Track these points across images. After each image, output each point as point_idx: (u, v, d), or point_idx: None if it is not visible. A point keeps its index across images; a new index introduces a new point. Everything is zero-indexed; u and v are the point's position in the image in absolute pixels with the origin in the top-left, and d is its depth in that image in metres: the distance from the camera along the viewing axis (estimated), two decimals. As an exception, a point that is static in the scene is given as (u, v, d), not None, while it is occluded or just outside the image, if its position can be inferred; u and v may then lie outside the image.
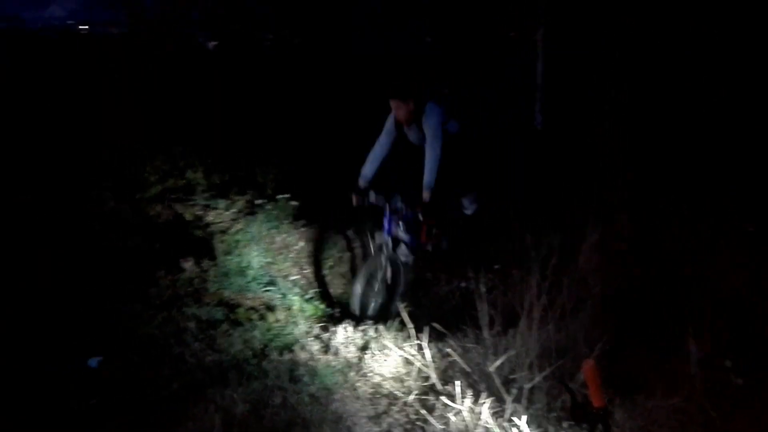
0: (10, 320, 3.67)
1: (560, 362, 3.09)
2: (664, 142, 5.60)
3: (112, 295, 4.03)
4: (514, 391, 3.02)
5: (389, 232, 4.40)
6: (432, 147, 4.36)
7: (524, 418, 2.75)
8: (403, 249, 4.87)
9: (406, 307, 3.98)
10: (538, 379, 3.01)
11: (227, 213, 5.68)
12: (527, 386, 3.01)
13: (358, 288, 4.28)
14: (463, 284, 4.93)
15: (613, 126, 5.29)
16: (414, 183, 4.50)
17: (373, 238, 4.51)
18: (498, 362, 3.12)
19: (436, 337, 3.71)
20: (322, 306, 4.57)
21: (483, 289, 3.40)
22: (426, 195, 4.32)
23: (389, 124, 4.60)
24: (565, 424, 2.83)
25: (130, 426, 2.92)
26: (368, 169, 4.56)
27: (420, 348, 3.47)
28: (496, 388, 3.04)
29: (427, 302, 4.79)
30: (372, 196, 4.47)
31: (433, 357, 3.43)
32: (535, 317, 3.23)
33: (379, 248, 4.42)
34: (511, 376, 3.16)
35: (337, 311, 4.46)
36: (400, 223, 4.49)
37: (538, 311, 3.23)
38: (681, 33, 6.11)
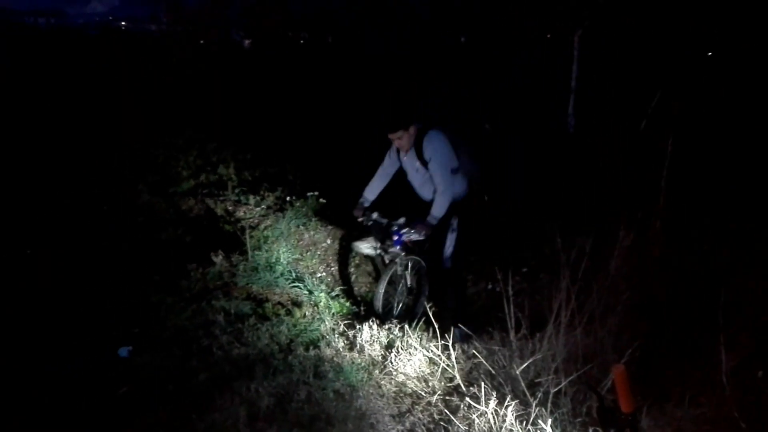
0: (45, 308, 3.77)
1: (587, 367, 3.05)
2: (700, 151, 5.51)
3: (144, 286, 4.11)
4: (540, 394, 2.99)
5: (400, 243, 4.36)
6: (444, 193, 4.17)
7: (549, 422, 2.73)
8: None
9: (431, 307, 3.98)
10: (564, 383, 2.98)
11: (257, 209, 5.76)
12: (553, 390, 2.98)
13: (380, 290, 4.30)
14: (489, 286, 4.91)
15: (652, 132, 5.20)
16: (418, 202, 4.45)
17: (386, 250, 4.47)
18: (524, 365, 3.10)
19: (461, 338, 3.71)
20: (348, 304, 4.61)
21: (510, 291, 3.37)
22: (432, 222, 4.19)
23: (392, 152, 4.47)
24: (590, 430, 2.79)
25: (158, 415, 2.97)
26: (370, 192, 4.54)
27: (445, 348, 3.46)
28: (521, 391, 3.02)
29: (453, 303, 4.77)
30: (374, 216, 4.45)
31: (457, 358, 3.42)
32: (563, 321, 3.20)
33: (393, 260, 4.41)
34: (537, 380, 3.13)
35: (362, 309, 4.48)
36: (412, 231, 4.35)
37: (566, 315, 3.19)
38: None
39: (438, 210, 4.18)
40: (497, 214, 5.46)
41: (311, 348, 3.65)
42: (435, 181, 4.21)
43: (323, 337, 3.81)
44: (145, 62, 9.67)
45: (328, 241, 5.57)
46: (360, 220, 4.51)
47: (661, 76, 5.69)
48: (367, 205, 4.53)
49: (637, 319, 3.51)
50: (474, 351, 3.48)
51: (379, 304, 4.27)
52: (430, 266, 4.54)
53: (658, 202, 4.68)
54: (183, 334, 3.65)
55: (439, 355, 3.45)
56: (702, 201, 4.76)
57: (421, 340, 3.71)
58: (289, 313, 4.10)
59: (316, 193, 6.08)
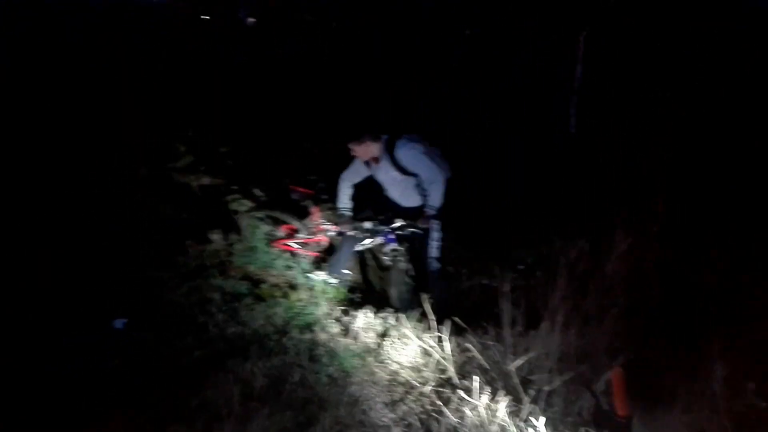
0: (43, 278, 3.74)
1: (581, 368, 3.07)
2: (701, 156, 5.51)
3: (140, 260, 4.09)
4: (532, 392, 3.02)
5: (394, 241, 4.38)
6: (438, 183, 4.17)
7: (542, 419, 2.74)
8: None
9: (429, 299, 3.99)
10: (557, 382, 3.00)
11: (256, 191, 5.72)
12: (546, 389, 3.00)
13: (394, 293, 4.38)
14: (485, 281, 4.91)
15: (656, 138, 5.22)
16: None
17: (385, 253, 4.48)
18: (518, 362, 3.11)
19: (456, 332, 3.72)
20: (344, 289, 4.60)
21: (506, 287, 3.38)
22: (431, 212, 4.22)
23: (358, 163, 4.41)
24: (582, 430, 2.82)
25: (150, 388, 2.97)
26: (343, 203, 4.50)
27: (439, 340, 3.47)
28: (513, 388, 3.04)
29: (448, 296, 4.79)
30: (368, 226, 4.41)
31: (452, 351, 3.43)
32: (558, 320, 3.22)
33: (394, 258, 4.43)
34: (530, 377, 3.15)
35: (357, 296, 4.48)
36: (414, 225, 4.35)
37: (561, 315, 3.21)
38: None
39: (435, 200, 4.20)
40: (495, 212, 5.47)
41: (306, 331, 3.66)
42: (426, 179, 4.20)
43: (318, 321, 3.82)
44: (148, 36, 9.53)
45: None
46: (352, 233, 4.48)
47: (663, 79, 5.70)
48: (349, 215, 4.50)
49: (631, 323, 3.53)
50: (468, 344, 3.49)
51: (396, 304, 4.31)
52: (417, 268, 4.56)
53: (657, 205, 4.70)
54: (178, 309, 3.65)
55: (433, 347, 3.47)
56: (702, 206, 4.77)
57: (416, 331, 3.72)
58: (285, 295, 4.10)
59: (315, 177, 6.04)
